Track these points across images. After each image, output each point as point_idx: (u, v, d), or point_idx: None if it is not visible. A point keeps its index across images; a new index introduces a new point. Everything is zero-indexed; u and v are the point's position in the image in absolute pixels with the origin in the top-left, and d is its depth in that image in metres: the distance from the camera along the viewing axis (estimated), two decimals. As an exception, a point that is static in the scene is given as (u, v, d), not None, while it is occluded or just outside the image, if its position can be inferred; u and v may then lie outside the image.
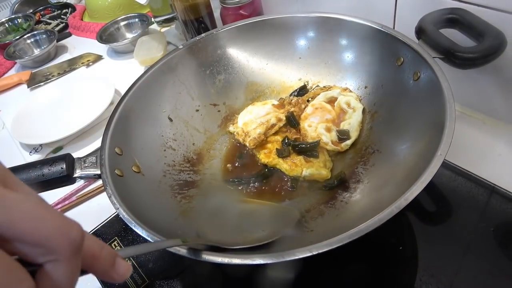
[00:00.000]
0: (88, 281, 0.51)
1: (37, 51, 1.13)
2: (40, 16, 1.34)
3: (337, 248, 0.32)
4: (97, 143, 0.76)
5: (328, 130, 0.58)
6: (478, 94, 0.58)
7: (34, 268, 0.19)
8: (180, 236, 0.35)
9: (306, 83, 0.67)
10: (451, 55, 0.46)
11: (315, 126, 0.58)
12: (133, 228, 0.39)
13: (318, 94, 0.63)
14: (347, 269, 0.46)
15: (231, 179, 0.57)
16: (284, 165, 0.55)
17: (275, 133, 0.61)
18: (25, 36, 1.15)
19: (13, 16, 1.29)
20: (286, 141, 0.58)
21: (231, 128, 0.64)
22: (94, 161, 0.48)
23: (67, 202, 0.65)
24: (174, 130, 0.61)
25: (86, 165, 0.48)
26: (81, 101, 0.86)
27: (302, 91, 0.66)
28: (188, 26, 0.82)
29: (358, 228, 0.33)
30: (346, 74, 0.63)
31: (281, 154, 0.56)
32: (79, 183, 0.68)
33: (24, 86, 1.01)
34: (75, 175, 0.48)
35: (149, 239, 0.37)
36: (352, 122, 0.57)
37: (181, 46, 0.65)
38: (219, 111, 0.67)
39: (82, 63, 1.03)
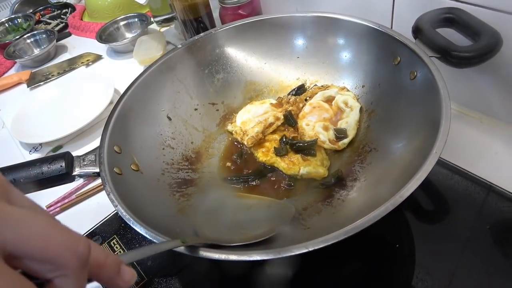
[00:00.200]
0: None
1: (37, 51, 1.13)
2: (40, 16, 1.34)
3: (334, 245, 0.33)
4: (96, 142, 0.76)
5: (326, 128, 0.58)
6: (475, 93, 0.59)
7: (40, 281, 0.19)
8: (179, 234, 0.35)
9: (304, 82, 0.67)
10: (448, 54, 0.47)
11: (312, 125, 0.59)
12: (131, 225, 0.39)
13: (316, 93, 0.63)
14: (345, 267, 0.47)
15: (229, 178, 0.57)
16: (282, 164, 0.56)
17: (273, 132, 0.61)
18: (25, 36, 1.16)
19: (13, 16, 1.30)
20: (284, 139, 0.58)
21: (230, 127, 0.64)
22: (93, 159, 0.48)
23: (66, 200, 0.66)
24: (172, 129, 0.61)
25: (85, 163, 0.48)
26: (80, 100, 0.87)
27: (300, 90, 0.66)
28: (187, 26, 0.83)
29: (353, 225, 0.33)
30: (344, 73, 0.64)
31: (279, 152, 0.57)
32: (79, 181, 0.68)
33: (24, 85, 1.02)
34: (74, 173, 0.48)
35: (148, 236, 0.37)
36: (350, 121, 0.58)
37: (180, 46, 0.65)
38: (217, 110, 0.67)
39: (82, 62, 1.03)
